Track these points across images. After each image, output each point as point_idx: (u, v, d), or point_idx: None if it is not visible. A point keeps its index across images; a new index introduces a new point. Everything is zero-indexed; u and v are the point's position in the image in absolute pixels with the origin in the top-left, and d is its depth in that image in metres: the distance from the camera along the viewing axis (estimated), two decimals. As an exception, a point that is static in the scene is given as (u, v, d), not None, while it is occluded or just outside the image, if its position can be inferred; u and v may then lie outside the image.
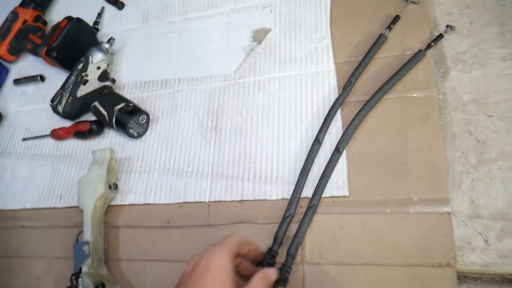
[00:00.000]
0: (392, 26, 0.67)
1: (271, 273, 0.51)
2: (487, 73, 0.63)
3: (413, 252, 0.55)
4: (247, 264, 0.53)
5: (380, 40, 0.67)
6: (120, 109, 0.73)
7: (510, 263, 0.53)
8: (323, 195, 0.61)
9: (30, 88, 0.91)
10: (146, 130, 0.76)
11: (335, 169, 0.62)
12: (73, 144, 0.80)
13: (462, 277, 0.55)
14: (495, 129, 0.60)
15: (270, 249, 0.58)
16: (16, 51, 0.92)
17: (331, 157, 0.62)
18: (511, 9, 0.66)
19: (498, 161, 0.58)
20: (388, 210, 0.58)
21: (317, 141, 0.64)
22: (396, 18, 0.67)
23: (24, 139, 0.85)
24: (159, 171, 0.72)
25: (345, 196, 0.61)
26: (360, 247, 0.58)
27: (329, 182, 0.62)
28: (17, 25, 0.90)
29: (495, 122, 0.60)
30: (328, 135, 0.65)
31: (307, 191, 0.62)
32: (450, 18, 0.68)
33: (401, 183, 0.59)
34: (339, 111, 0.66)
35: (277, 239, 0.59)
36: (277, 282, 0.53)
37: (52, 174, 0.79)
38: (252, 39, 0.76)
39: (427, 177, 0.58)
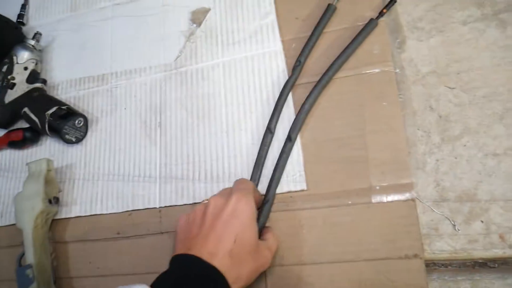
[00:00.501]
0: (338, -5, 0.60)
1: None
2: (446, 40, 0.58)
3: (378, 245, 0.51)
4: None
5: (328, 11, 0.61)
6: (52, 114, 0.66)
7: (480, 247, 0.50)
8: (280, 191, 0.56)
9: (-44, 95, 0.82)
10: (85, 133, 0.69)
11: (290, 161, 0.57)
12: (8, 155, 0.73)
13: (431, 264, 0.52)
14: (457, 102, 0.55)
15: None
16: None
17: (283, 147, 0.57)
18: (468, -35, 0.60)
19: (462, 138, 0.53)
20: (350, 202, 0.54)
21: (269, 131, 0.58)
22: (342, -13, 0.61)
23: (-45, 154, 0.77)
24: (103, 177, 0.66)
25: (303, 190, 0.56)
26: (322, 244, 0.53)
27: (285, 175, 0.57)
28: None
29: (458, 95, 0.55)
30: (280, 123, 0.59)
31: (263, 187, 0.57)
32: (403, -20, 0.62)
33: (360, 170, 0.54)
34: (290, 96, 0.60)
35: None
36: None
37: (-11, 190, 0.72)
38: (191, 22, 0.69)
39: (388, 161, 0.54)
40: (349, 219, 0.53)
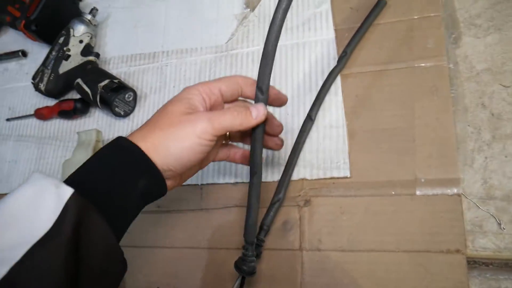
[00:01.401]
0: (394, -12, 0.60)
1: (258, 106, 0.43)
2: (503, 38, 0.57)
3: (419, 238, 0.51)
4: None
5: (378, 6, 0.60)
6: (104, 87, 0.68)
7: (526, 248, 0.49)
8: (323, 176, 0.57)
9: (12, 64, 0.86)
10: (133, 108, 0.71)
11: (335, 147, 0.57)
12: (58, 124, 0.76)
13: (472, 262, 0.51)
14: (511, 101, 0.54)
15: (256, 238, 0.53)
16: (-5, 24, 0.86)
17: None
18: (532, -35, 0.59)
19: (514, 137, 0.53)
20: (393, 192, 0.54)
21: (309, 118, 0.58)
22: (398, -21, 0.61)
23: (8, 119, 0.80)
24: (148, 151, 0.67)
25: (346, 177, 0.56)
26: (362, 232, 0.53)
27: (329, 162, 0.57)
28: (-6, -4, 0.84)
29: (512, 93, 0.55)
30: (322, 111, 0.59)
31: (298, 172, 0.58)
32: (463, -23, 0.61)
33: (407, 162, 0.54)
34: (339, 84, 0.60)
35: (264, 226, 0.55)
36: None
37: (38, 156, 0.75)
38: (244, 6, 0.70)
39: (436, 155, 0.53)
40: (391, 209, 0.53)
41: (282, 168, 0.58)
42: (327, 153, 0.58)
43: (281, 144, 0.51)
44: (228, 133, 0.50)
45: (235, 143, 0.53)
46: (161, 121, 0.41)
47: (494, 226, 0.50)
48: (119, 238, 0.40)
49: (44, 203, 0.33)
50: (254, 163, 0.45)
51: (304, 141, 0.58)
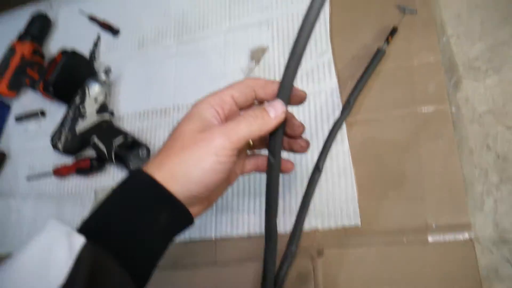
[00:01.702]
0: (390, 38, 0.62)
1: (275, 103, 0.39)
2: (503, 79, 0.58)
3: (434, 286, 0.51)
4: None
5: (377, 56, 0.62)
6: (119, 144, 0.70)
7: (544, 292, 0.48)
8: (334, 226, 0.57)
9: (31, 124, 0.89)
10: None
11: (344, 196, 0.58)
12: (76, 181, 0.78)
13: (491, 308, 0.51)
14: (516, 142, 0.55)
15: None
16: (15, 86, 0.91)
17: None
18: (526, 6, 0.60)
19: (522, 178, 0.53)
20: (405, 240, 0.54)
21: (317, 169, 0.59)
22: (393, 31, 0.62)
23: (28, 178, 0.83)
24: (163, 205, 0.69)
25: (357, 226, 0.56)
26: (376, 282, 0.53)
27: (339, 210, 0.58)
28: (15, 61, 0.88)
29: (516, 134, 0.55)
30: (329, 159, 0.60)
31: (310, 224, 0.58)
32: (459, 21, 0.63)
33: (417, 208, 0.55)
34: (345, 132, 0.61)
35: (278, 280, 0.54)
36: None
37: (57, 214, 0.77)
38: (250, 59, 0.72)
39: (445, 200, 0.54)
40: (404, 258, 0.53)
41: (293, 219, 0.59)
42: (336, 202, 0.58)
43: (306, 145, 0.47)
44: (251, 141, 0.45)
45: (262, 151, 0.49)
46: (175, 145, 0.38)
47: (511, 270, 0.50)
48: (143, 284, 0.38)
49: (55, 256, 0.31)
50: (269, 227, 0.46)
51: (313, 193, 0.58)
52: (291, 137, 0.46)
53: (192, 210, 0.40)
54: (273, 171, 0.42)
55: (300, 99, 0.44)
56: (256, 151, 0.49)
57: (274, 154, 0.41)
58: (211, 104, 0.40)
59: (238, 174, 0.47)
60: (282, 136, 0.41)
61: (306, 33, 0.36)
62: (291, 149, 0.47)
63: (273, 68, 0.70)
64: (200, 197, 0.39)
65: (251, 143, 0.47)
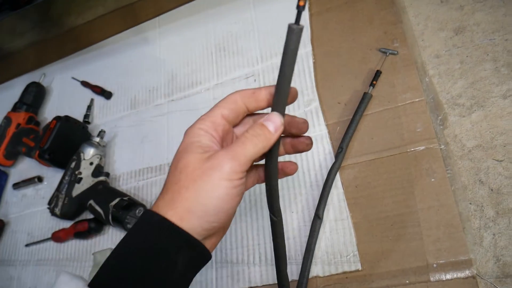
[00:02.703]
0: (374, 82, 0.64)
1: (273, 117, 0.37)
2: (488, 114, 0.59)
3: (442, 327, 0.50)
4: None
5: (365, 100, 0.64)
6: (115, 205, 0.71)
7: (554, 326, 0.47)
8: (335, 272, 0.57)
9: (29, 190, 0.90)
10: (145, 221, 0.73)
11: (343, 240, 0.58)
12: (74, 245, 0.78)
13: None
14: (508, 175, 0.55)
15: None
16: (12, 155, 0.92)
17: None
18: (502, 43, 0.62)
19: (518, 210, 0.53)
20: (407, 281, 0.53)
21: (317, 217, 0.59)
22: (377, 74, 0.64)
23: (27, 245, 0.83)
24: (162, 264, 0.68)
25: (358, 270, 0.56)
26: (383, 328, 0.52)
27: (338, 256, 0.57)
28: (11, 130, 0.90)
29: (507, 167, 0.56)
30: (330, 204, 0.61)
31: (316, 269, 0.58)
32: (439, 61, 0.65)
33: (416, 248, 0.54)
34: (338, 177, 0.62)
35: None
36: None
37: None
38: (240, 112, 0.74)
39: (444, 238, 0.54)
40: (408, 300, 0.52)
41: (294, 267, 0.58)
42: (336, 247, 0.58)
43: (310, 142, 0.45)
44: None
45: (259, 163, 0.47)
46: (182, 179, 0.36)
47: (517, 305, 0.49)
48: None
49: None
50: (281, 277, 0.47)
51: (316, 242, 0.58)
52: (296, 136, 0.44)
53: (209, 243, 0.39)
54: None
55: (291, 98, 0.41)
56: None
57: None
58: (204, 129, 0.38)
59: (244, 191, 0.43)
60: (277, 167, 0.41)
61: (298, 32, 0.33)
62: (296, 150, 0.45)
63: (263, 119, 0.71)
64: (218, 227, 0.37)
65: None
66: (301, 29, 0.32)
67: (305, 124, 0.43)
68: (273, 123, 0.37)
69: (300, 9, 0.31)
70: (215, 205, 0.35)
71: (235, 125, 0.41)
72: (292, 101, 0.41)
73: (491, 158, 0.57)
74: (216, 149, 0.38)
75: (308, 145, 0.45)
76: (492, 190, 0.55)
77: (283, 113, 0.37)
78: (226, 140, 0.40)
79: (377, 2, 0.70)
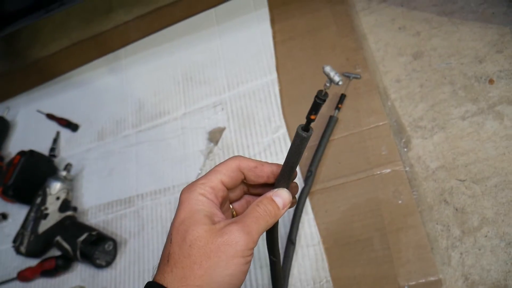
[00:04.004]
0: (340, 106, 0.66)
1: (283, 194, 0.38)
2: (449, 136, 0.61)
3: None
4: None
5: (331, 123, 0.65)
6: (83, 241, 0.69)
7: None
8: (308, 299, 0.57)
9: (-7, 229, 0.87)
10: (114, 256, 0.71)
11: (315, 267, 0.58)
12: (41, 284, 0.75)
13: None
14: (471, 194, 0.57)
15: None
16: (-25, 192, 0.89)
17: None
18: (458, 66, 0.65)
19: (482, 229, 0.54)
20: (380, 305, 0.53)
21: (291, 242, 0.59)
22: (342, 97, 0.66)
23: (-10, 287, 0.79)
24: (134, 299, 0.67)
25: (331, 296, 0.56)
26: None
27: (312, 283, 0.57)
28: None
29: (470, 186, 0.57)
30: (301, 230, 0.61)
31: (291, 297, 0.57)
32: (400, 85, 0.67)
33: (387, 271, 0.55)
34: (308, 202, 0.62)
35: None
36: None
37: (23, 323, 0.73)
38: (208, 141, 0.74)
39: (413, 259, 0.54)
40: (382, 324, 0.52)
41: (267, 298, 0.58)
42: (308, 274, 0.58)
43: (295, 202, 0.43)
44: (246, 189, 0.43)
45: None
46: (194, 254, 0.34)
47: (486, 323, 0.50)
48: None
49: None
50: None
51: (290, 268, 0.58)
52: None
53: None
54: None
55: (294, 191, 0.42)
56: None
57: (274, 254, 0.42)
58: (206, 196, 0.37)
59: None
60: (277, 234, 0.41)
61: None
62: None
63: (231, 147, 0.71)
64: None
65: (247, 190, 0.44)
66: (309, 136, 0.33)
67: (296, 188, 0.43)
68: (282, 200, 0.37)
69: (309, 120, 0.33)
70: (228, 282, 0.34)
71: (230, 189, 0.40)
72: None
73: (454, 178, 0.58)
74: (221, 217, 0.37)
75: (293, 203, 0.43)
76: (457, 209, 0.57)
77: (288, 188, 0.38)
78: (223, 206, 0.39)
79: (339, 30, 0.72)
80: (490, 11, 0.66)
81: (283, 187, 0.38)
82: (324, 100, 0.31)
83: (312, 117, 0.32)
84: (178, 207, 0.37)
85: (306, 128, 0.33)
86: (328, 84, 0.30)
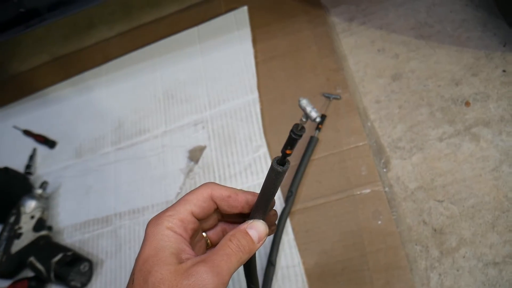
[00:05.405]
0: (320, 126, 0.66)
1: (258, 227, 0.35)
2: (427, 157, 0.62)
3: None
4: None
5: (311, 143, 0.65)
6: (58, 261, 0.67)
7: None
8: (288, 321, 0.56)
9: (-37, 248, 0.84)
10: (90, 277, 0.69)
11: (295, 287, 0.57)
12: (13, 307, 0.73)
13: None
14: (449, 215, 0.57)
15: None
16: None
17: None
18: (435, 88, 0.66)
19: (460, 249, 0.55)
20: (360, 327, 0.53)
21: (271, 264, 0.59)
22: (322, 118, 0.67)
23: (-41, 310, 0.76)
24: (109, 322, 0.65)
25: (311, 319, 0.55)
26: None
27: (292, 304, 0.57)
28: None
29: (447, 207, 0.58)
30: (281, 251, 0.60)
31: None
32: (379, 106, 0.68)
33: (367, 292, 0.55)
34: (288, 223, 0.62)
35: None
36: None
37: None
38: (189, 159, 0.73)
39: (392, 280, 0.54)
40: None
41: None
42: (288, 296, 0.57)
43: (275, 229, 0.41)
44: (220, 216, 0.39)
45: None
46: None
47: None
48: None
49: None
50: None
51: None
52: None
53: None
54: None
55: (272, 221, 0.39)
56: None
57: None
58: (173, 230, 0.33)
59: None
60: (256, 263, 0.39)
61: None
62: None
63: (212, 166, 0.71)
64: None
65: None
66: (285, 171, 0.32)
67: (275, 216, 0.40)
68: (258, 233, 0.34)
69: (285, 154, 0.31)
70: None
71: (201, 219, 0.37)
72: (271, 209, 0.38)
73: (433, 199, 0.59)
74: (190, 253, 0.33)
75: (272, 230, 0.40)
76: (435, 230, 0.57)
77: (264, 219, 0.35)
78: (194, 238, 0.36)
79: (319, 51, 0.73)
80: (465, 35, 0.68)
81: (259, 218, 0.35)
82: (300, 136, 0.29)
83: (288, 152, 0.30)
84: (143, 242, 0.33)
85: (281, 162, 0.32)
86: (304, 119, 0.28)
